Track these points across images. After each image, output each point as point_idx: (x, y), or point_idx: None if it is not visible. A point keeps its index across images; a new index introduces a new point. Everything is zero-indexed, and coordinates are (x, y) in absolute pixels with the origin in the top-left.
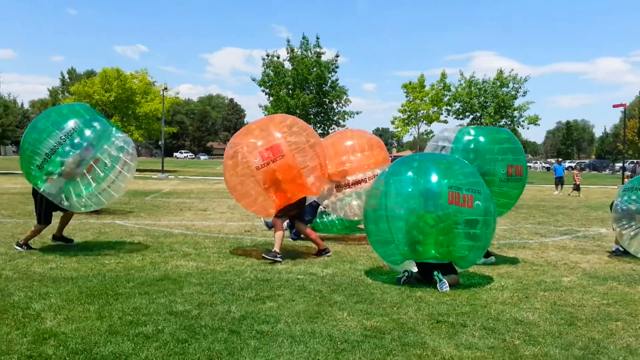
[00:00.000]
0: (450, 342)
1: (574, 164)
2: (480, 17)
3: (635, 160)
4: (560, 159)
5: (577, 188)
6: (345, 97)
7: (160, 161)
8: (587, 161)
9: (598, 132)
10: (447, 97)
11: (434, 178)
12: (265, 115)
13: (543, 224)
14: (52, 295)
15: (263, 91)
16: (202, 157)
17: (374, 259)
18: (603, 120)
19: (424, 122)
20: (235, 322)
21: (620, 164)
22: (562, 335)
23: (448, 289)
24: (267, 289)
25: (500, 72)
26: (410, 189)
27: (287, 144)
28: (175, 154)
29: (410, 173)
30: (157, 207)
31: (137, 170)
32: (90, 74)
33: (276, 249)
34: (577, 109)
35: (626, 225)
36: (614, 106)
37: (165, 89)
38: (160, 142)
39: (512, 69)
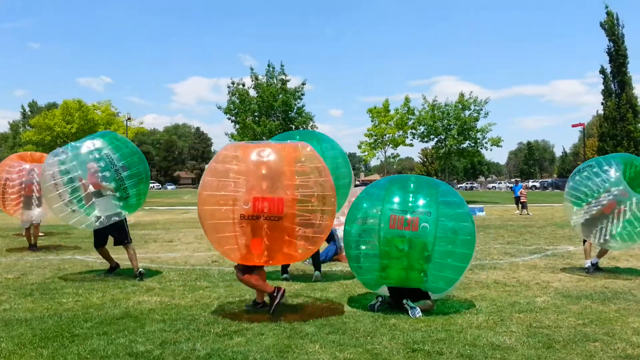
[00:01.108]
0: None
1: (522, 184)
2: (441, 43)
3: None
4: (517, 179)
5: (523, 206)
6: (311, 123)
7: None
8: (549, 180)
9: (558, 152)
10: (412, 120)
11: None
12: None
13: (512, 243)
14: (2, 340)
15: (229, 119)
16: (169, 187)
17: (345, 286)
18: (563, 140)
19: (390, 145)
20: None
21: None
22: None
23: (421, 314)
24: (235, 323)
25: (462, 95)
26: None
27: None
28: None
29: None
30: None
31: None
32: (51, 106)
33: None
34: (537, 130)
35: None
36: (573, 126)
37: (129, 119)
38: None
39: (472, 92)
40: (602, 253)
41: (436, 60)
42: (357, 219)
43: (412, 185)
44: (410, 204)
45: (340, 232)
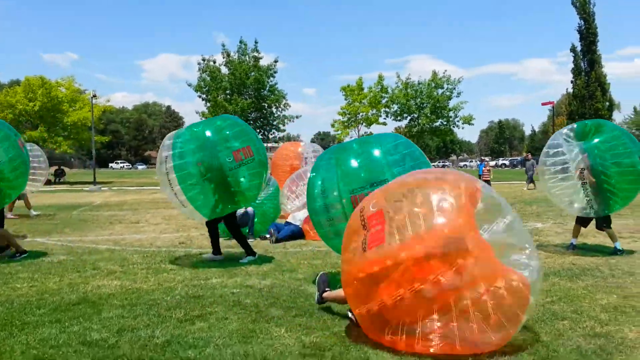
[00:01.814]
0: (394, 356)
1: (484, 162)
2: (416, 21)
3: None
4: (482, 158)
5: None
6: (284, 101)
7: (93, 173)
8: (519, 158)
9: (528, 130)
10: (385, 99)
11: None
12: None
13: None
14: None
15: (200, 97)
16: (139, 167)
17: (315, 267)
18: (533, 119)
19: (364, 124)
20: (158, 349)
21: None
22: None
23: None
24: (198, 307)
25: (435, 73)
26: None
27: None
28: (110, 164)
29: None
30: (84, 222)
31: (67, 183)
32: (14, 83)
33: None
34: (508, 108)
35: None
36: (543, 104)
37: (94, 96)
38: (92, 152)
39: (446, 70)
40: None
41: (410, 38)
42: (317, 199)
43: (359, 157)
44: (363, 177)
45: (301, 215)
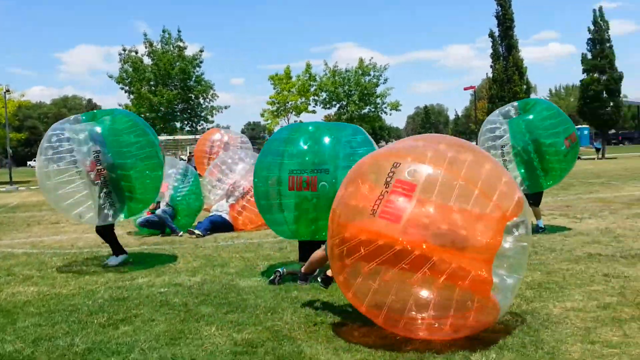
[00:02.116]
0: (328, 347)
1: None
2: (341, 9)
3: None
4: None
5: None
6: (211, 91)
7: (8, 172)
8: None
9: (452, 115)
10: (314, 87)
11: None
12: None
13: None
14: None
15: (122, 89)
16: None
17: (247, 260)
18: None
19: (293, 113)
20: (78, 358)
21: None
22: None
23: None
24: (123, 310)
25: (361, 60)
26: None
27: None
28: (29, 162)
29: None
30: None
31: None
32: None
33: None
34: (433, 94)
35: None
36: (465, 89)
37: (8, 91)
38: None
39: (372, 57)
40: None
41: (336, 26)
42: (262, 176)
43: (309, 138)
44: (307, 161)
45: (225, 205)
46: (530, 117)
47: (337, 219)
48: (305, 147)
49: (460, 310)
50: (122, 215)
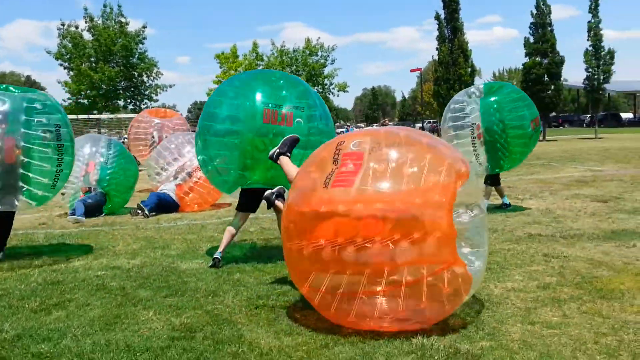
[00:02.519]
0: (269, 330)
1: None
2: None
3: (431, 120)
4: (348, 124)
5: None
6: (155, 69)
7: None
8: (391, 124)
9: (399, 96)
10: (261, 66)
11: (256, 97)
12: (66, 91)
13: None
14: None
15: (61, 65)
16: None
17: (189, 242)
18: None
19: None
20: (7, 345)
21: (420, 124)
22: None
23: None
24: (57, 294)
25: (309, 40)
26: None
27: None
28: None
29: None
30: None
31: None
32: None
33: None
34: (380, 75)
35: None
36: (412, 71)
37: None
38: None
39: (319, 38)
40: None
41: (284, 5)
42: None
43: (280, 80)
44: (282, 98)
45: (171, 185)
46: (499, 98)
47: (295, 208)
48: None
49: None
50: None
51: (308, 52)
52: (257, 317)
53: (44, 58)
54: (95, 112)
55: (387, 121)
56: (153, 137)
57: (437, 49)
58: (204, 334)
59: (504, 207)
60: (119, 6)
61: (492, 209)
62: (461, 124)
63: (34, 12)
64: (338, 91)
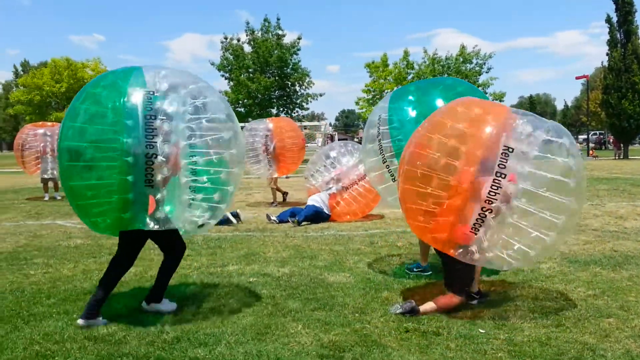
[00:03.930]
0: (421, 359)
1: None
2: None
3: (597, 132)
4: None
5: None
6: (308, 79)
7: None
8: None
9: (560, 105)
10: (411, 75)
11: None
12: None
13: None
14: None
15: (222, 76)
16: None
17: (336, 253)
18: (564, 93)
19: None
20: (167, 346)
21: (584, 136)
22: (550, 342)
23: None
24: (213, 298)
25: (463, 47)
26: None
27: None
28: None
29: None
30: None
31: None
32: (42, 65)
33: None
34: (539, 82)
35: None
36: (577, 78)
37: None
38: None
39: (476, 45)
40: None
41: (435, 11)
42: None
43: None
44: None
45: (323, 195)
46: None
47: None
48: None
49: None
50: None
51: (462, 60)
52: (408, 342)
53: (207, 69)
54: (249, 119)
55: None
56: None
57: (607, 54)
58: (352, 355)
59: None
60: (278, 19)
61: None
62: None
63: (200, 27)
64: (494, 100)
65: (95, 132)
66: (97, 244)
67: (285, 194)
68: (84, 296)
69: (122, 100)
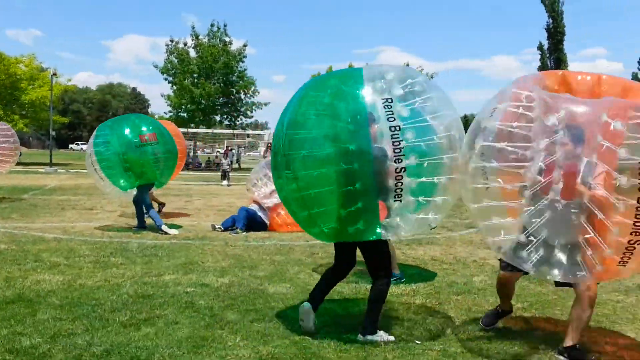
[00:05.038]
0: None
1: None
2: (386, 12)
3: None
4: None
5: None
6: (253, 87)
7: (49, 154)
8: None
9: None
10: None
11: None
12: (168, 104)
13: (449, 216)
14: None
15: (166, 79)
16: None
17: (277, 263)
18: None
19: None
20: None
21: None
22: (482, 352)
23: None
24: (146, 309)
25: (407, 66)
26: None
27: None
28: (71, 145)
29: None
30: (34, 207)
31: (22, 163)
32: None
33: None
34: (475, 103)
35: None
36: None
37: (55, 74)
38: (50, 133)
39: (420, 66)
40: None
41: (380, 29)
42: None
43: None
44: None
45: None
46: None
47: None
48: None
49: None
50: None
51: None
52: (347, 353)
53: (150, 71)
54: (192, 125)
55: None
56: None
57: None
58: None
59: None
60: (225, 25)
61: None
62: None
63: (145, 28)
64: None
65: None
66: (22, 250)
67: (161, 204)
68: (5, 306)
69: None
